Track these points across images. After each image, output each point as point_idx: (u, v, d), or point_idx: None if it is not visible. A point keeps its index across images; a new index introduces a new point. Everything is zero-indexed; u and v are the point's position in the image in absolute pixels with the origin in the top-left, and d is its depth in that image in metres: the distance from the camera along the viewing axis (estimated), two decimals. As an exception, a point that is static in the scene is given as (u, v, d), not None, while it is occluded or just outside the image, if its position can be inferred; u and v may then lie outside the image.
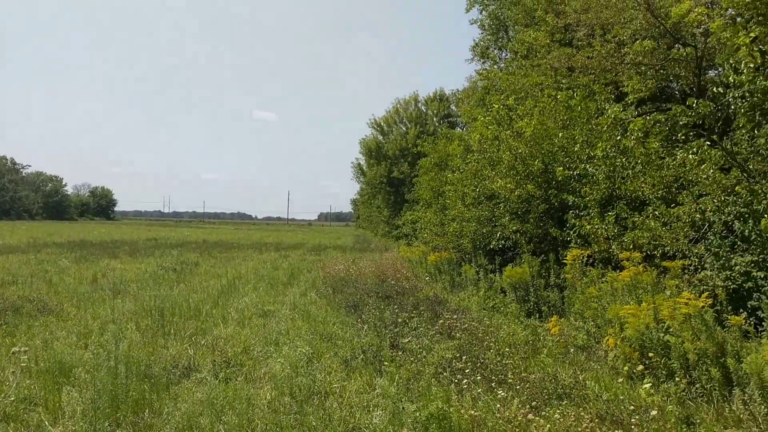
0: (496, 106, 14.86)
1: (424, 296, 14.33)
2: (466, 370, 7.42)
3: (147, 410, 6.49)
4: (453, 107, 48.17)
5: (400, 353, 8.65)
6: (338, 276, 18.89)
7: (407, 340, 9.16)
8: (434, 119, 50.39)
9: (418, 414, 6.15)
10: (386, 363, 8.12)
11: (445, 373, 7.51)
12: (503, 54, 24.81)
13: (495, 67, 23.88)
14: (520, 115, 14.47)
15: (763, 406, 5.87)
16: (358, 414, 6.40)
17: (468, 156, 16.42)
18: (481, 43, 27.09)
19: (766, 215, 7.20)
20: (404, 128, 52.61)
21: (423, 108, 52.75)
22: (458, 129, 36.45)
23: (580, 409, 6.04)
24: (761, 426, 5.78)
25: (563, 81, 15.35)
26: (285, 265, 23.94)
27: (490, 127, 14.47)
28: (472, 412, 5.87)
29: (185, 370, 7.97)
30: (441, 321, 10.32)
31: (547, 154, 12.74)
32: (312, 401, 6.80)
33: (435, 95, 52.04)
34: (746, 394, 6.13)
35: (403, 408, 6.37)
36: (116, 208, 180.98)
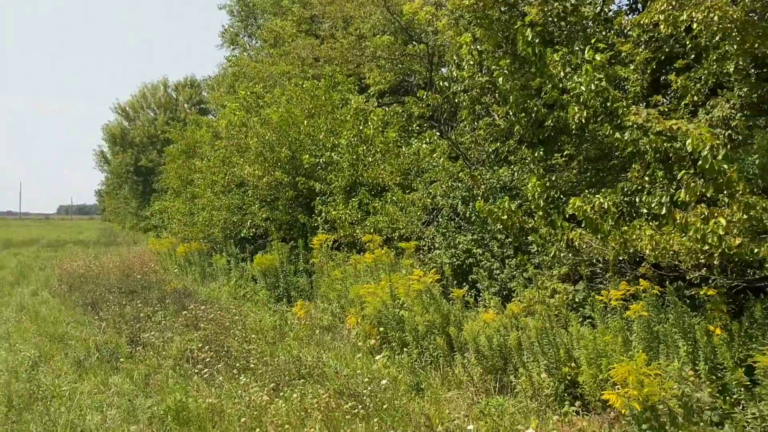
0: (243, 92, 14.70)
1: (171, 289, 13.74)
2: (208, 360, 7.25)
3: None
4: (205, 94, 46.78)
5: (140, 349, 8.19)
6: (77, 273, 17.34)
7: (148, 335, 8.70)
8: (185, 106, 48.49)
9: (155, 408, 5.87)
10: (122, 360, 7.63)
11: (187, 365, 7.26)
12: (253, 41, 24.65)
13: (245, 54, 23.62)
14: (268, 103, 14.47)
15: (478, 368, 6.55)
16: (89, 416, 5.93)
17: (216, 143, 16.04)
18: (231, 29, 26.64)
19: (479, 198, 8.02)
20: (152, 114, 49.91)
21: (173, 94, 50.48)
22: (211, 116, 35.49)
23: (319, 386, 6.22)
24: (477, 386, 6.45)
25: (309, 70, 15.66)
26: (13, 264, 21.42)
27: (237, 113, 14.27)
28: (211, 400, 5.75)
29: None
30: (186, 313, 9.96)
31: (294, 142, 12.92)
32: (35, 407, 6.15)
33: (186, 81, 50.10)
34: (466, 359, 6.80)
35: (139, 404, 6.03)
36: None
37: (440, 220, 9.53)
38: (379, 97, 14.96)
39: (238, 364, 7.13)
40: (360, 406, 5.59)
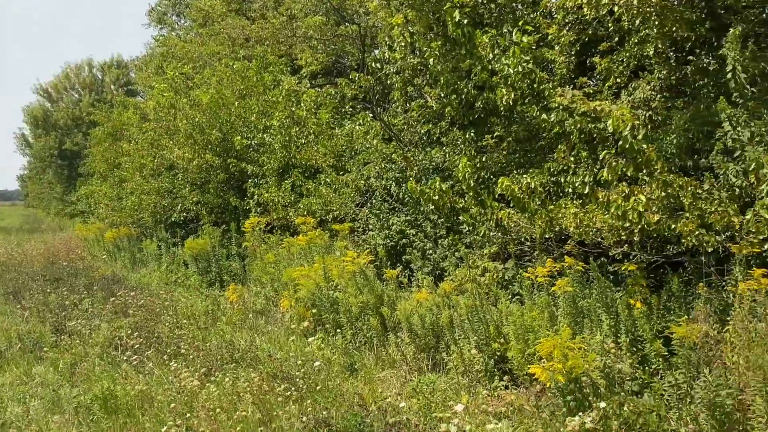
0: (171, 73, 14.30)
1: (100, 276, 13.36)
2: (137, 347, 7.08)
3: None
4: (133, 74, 45.26)
5: (66, 337, 7.94)
6: (-3, 261, 16.63)
7: (74, 323, 8.43)
8: (112, 87, 46.83)
9: (81, 398, 5.71)
10: (46, 349, 7.38)
11: (115, 353, 7.08)
12: (182, 20, 23.96)
13: (173, 33, 22.95)
14: (197, 84, 14.13)
15: (411, 347, 6.63)
16: (10, 408, 5.72)
17: (144, 125, 15.57)
18: (158, 7, 25.82)
19: (411, 178, 8.06)
20: (77, 96, 48.00)
21: (99, 74, 48.65)
22: (139, 98, 34.40)
23: (252, 370, 6.17)
24: (410, 364, 6.53)
25: (240, 51, 15.36)
26: (-75, 254, 20.33)
27: (166, 94, 13.88)
28: (140, 387, 5.63)
29: None
30: (114, 299, 9.70)
31: (225, 123, 12.68)
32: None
33: (113, 61, 48.34)
34: (399, 338, 6.87)
35: (64, 394, 5.85)
36: None
37: (374, 201, 9.55)
38: (312, 78, 14.81)
39: (168, 350, 7.00)
40: (293, 389, 5.58)
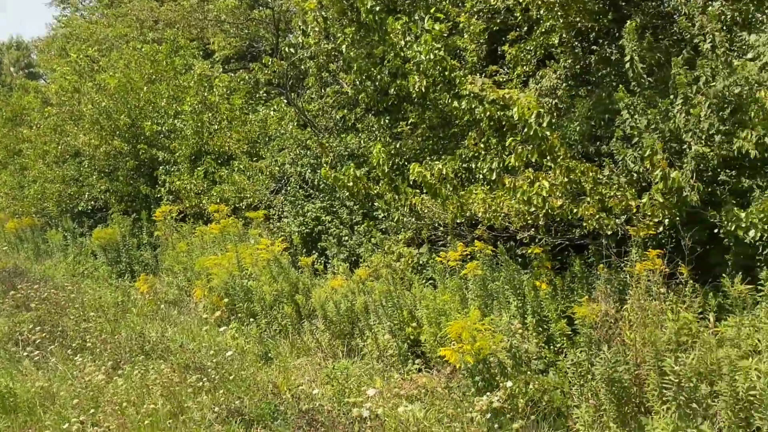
0: (75, 55, 13.64)
1: (0, 268, 12.68)
2: (39, 342, 6.78)
3: None
4: (34, 56, 42.97)
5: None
6: None
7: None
8: (12, 69, 44.27)
9: (-23, 398, 5.42)
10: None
11: (15, 348, 6.76)
12: (86, 0, 22.89)
13: (77, 14, 21.89)
14: (103, 68, 13.54)
15: (327, 334, 6.64)
16: None
17: (47, 109, 14.81)
18: (61, -15, 24.48)
19: (326, 165, 8.03)
20: (-27, 78, 45.14)
21: (-3, 56, 45.90)
22: (42, 81, 32.70)
23: (162, 362, 6.03)
24: (325, 351, 6.54)
25: (149, 34, 14.83)
26: None
27: (69, 78, 13.24)
28: (41, 383, 5.40)
29: None
30: (14, 293, 9.23)
31: (134, 109, 12.23)
32: None
33: (12, 42, 45.70)
34: (314, 326, 6.86)
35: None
36: None
37: (289, 188, 9.47)
38: (225, 63, 14.48)
39: (74, 344, 6.73)
40: (205, 379, 5.49)
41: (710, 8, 5.35)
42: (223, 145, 10.86)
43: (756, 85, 4.97)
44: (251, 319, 7.42)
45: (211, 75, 11.91)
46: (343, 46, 7.80)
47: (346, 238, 8.23)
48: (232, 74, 13.03)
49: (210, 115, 11.17)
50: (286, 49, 9.73)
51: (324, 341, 6.53)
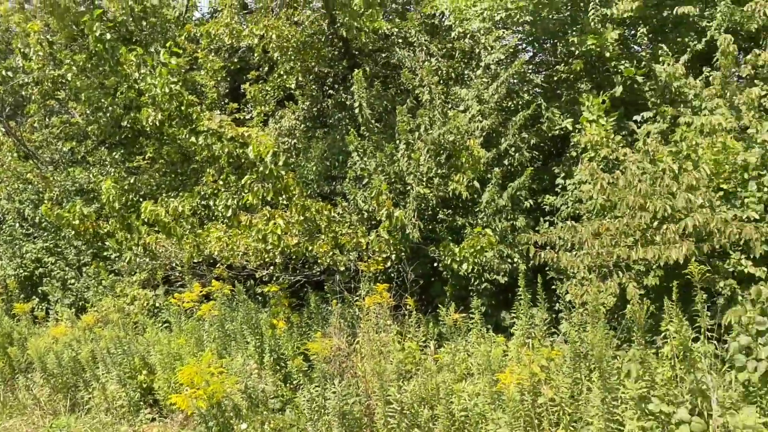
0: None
1: None
2: None
3: None
4: None
5: None
6: None
7: None
8: None
9: None
10: None
11: None
12: None
13: None
14: None
15: (46, 388, 5.97)
16: None
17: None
18: None
19: (48, 201, 7.33)
20: None
21: None
22: None
23: None
24: (44, 408, 5.87)
25: None
26: None
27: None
28: None
29: None
30: None
31: None
32: None
33: None
34: (30, 380, 6.13)
35: None
36: None
37: (4, 226, 8.45)
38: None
39: None
40: None
41: (427, 63, 5.92)
42: None
43: (466, 134, 5.59)
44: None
45: None
46: (69, 74, 7.23)
47: (73, 281, 7.54)
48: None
49: None
50: (4, 73, 8.75)
51: (43, 397, 5.86)
